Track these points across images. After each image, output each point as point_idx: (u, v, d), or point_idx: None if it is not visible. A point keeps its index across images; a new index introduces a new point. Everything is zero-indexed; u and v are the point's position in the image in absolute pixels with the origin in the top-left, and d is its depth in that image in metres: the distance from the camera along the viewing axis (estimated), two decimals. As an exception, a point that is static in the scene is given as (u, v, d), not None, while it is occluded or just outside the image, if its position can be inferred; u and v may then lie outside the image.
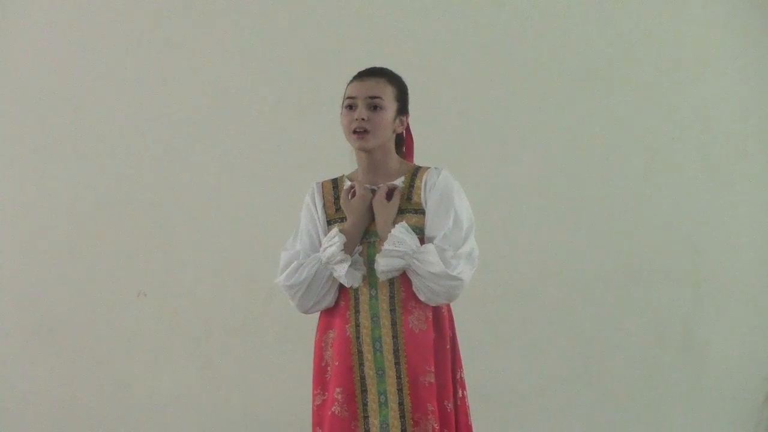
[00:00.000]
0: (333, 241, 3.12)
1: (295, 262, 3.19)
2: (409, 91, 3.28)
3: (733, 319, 5.00)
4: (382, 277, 3.11)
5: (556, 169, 4.98)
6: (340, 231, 3.15)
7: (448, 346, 3.16)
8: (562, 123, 4.99)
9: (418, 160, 3.34)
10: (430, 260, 3.06)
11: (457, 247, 3.10)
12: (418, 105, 3.34)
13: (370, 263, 3.15)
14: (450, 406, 3.13)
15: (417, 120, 3.34)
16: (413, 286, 3.12)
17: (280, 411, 4.89)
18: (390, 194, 3.19)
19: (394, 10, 4.99)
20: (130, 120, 5.01)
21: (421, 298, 3.12)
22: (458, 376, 3.19)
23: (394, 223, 3.14)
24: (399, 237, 3.09)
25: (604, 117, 5.01)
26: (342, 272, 3.11)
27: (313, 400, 3.20)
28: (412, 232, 3.12)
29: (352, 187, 3.23)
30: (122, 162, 5.01)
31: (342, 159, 3.34)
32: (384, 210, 3.16)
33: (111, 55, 5.02)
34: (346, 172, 3.32)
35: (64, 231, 5.00)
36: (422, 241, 3.14)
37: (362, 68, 3.25)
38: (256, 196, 4.96)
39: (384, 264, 3.08)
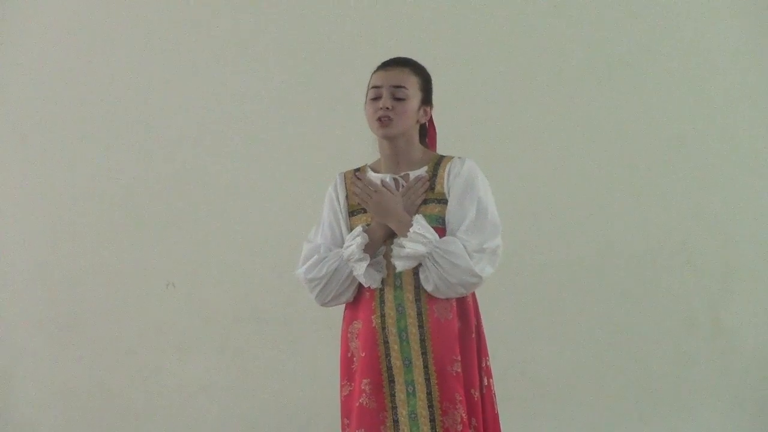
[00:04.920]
0: (355, 240, 3.11)
1: (316, 256, 3.18)
2: (433, 82, 3.26)
3: (763, 307, 4.96)
4: (400, 267, 3.06)
5: (584, 157, 4.96)
6: (365, 231, 3.13)
7: (473, 335, 3.15)
8: (590, 111, 4.96)
9: (441, 150, 3.32)
10: (454, 251, 3.03)
11: (481, 240, 3.07)
12: (442, 95, 3.32)
13: None
14: (477, 394, 3.12)
15: (440, 110, 3.33)
16: (421, 276, 3.08)
17: (310, 400, 4.90)
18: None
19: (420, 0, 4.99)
20: (158, 112, 5.04)
21: (428, 288, 3.08)
22: (484, 364, 3.18)
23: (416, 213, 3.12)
24: (424, 225, 3.07)
25: (633, 104, 4.97)
26: (360, 271, 3.10)
27: (341, 391, 3.20)
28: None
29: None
30: (150, 153, 5.04)
31: (368, 150, 3.32)
32: (405, 202, 3.13)
33: (145, 40, 5.04)
34: (369, 162, 3.31)
35: (93, 223, 5.04)
36: (443, 232, 3.12)
37: (387, 58, 3.24)
38: (283, 185, 4.97)
39: (411, 247, 3.02)
